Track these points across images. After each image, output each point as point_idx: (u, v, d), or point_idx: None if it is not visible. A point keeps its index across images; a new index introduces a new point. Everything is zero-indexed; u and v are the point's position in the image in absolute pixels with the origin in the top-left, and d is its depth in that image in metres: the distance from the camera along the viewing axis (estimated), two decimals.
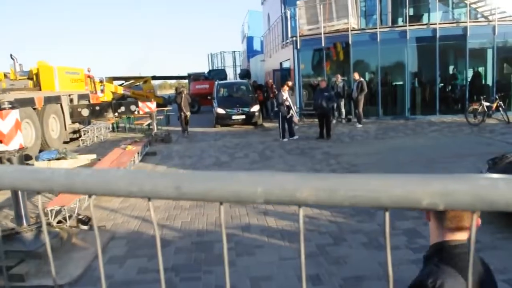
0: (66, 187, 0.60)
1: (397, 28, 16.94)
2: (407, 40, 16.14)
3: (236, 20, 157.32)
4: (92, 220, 5.67)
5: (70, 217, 5.97)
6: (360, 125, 14.91)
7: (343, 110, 16.11)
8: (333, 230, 5.49)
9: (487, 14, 17.34)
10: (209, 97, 21.27)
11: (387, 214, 0.48)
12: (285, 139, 12.94)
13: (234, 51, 42.89)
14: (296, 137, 13.11)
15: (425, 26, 16.69)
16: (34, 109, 12.43)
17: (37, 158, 9.69)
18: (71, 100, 15.32)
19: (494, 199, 0.42)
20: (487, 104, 14.21)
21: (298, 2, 17.61)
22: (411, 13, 18.66)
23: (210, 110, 19.67)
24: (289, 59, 18.56)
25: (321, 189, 0.47)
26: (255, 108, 16.75)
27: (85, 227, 6.02)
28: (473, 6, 17.50)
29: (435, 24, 16.25)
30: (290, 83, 14.97)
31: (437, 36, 15.92)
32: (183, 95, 15.74)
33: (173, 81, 64.32)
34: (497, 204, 0.42)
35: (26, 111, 11.78)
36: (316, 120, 13.65)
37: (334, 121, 15.26)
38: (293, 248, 5.01)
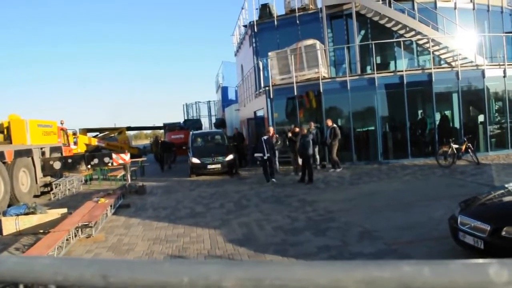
0: None
1: (366, 76, 17.54)
2: (376, 87, 16.68)
3: (211, 71, 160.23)
4: None
5: None
6: (339, 169, 15.10)
7: (317, 157, 16.26)
8: None
9: (450, 60, 18.20)
10: (184, 147, 21.25)
11: None
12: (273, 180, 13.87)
13: (209, 101, 43.37)
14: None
15: (392, 73, 17.35)
16: (4, 162, 12.13)
17: (4, 214, 9.39)
18: (43, 153, 15.03)
19: (419, 286, 0.41)
20: (456, 146, 14.60)
21: (269, 53, 18.12)
22: (379, 61, 19.43)
23: (185, 159, 19.60)
24: (262, 108, 18.84)
25: (247, 279, 0.45)
26: (230, 157, 16.77)
27: (53, 287, 5.73)
28: (436, 53, 18.39)
29: (402, 71, 16.91)
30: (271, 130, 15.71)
31: (404, 82, 16.53)
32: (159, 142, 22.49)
33: (149, 131, 64.26)
34: None
35: None
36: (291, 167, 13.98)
37: None
38: None
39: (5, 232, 8.81)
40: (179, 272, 0.47)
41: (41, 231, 8.61)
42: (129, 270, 0.49)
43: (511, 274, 0.42)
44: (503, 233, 5.00)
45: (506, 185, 6.63)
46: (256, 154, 14.78)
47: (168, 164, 21.71)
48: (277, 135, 15.78)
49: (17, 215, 9.00)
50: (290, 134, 15.63)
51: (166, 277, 0.47)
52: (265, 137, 14.46)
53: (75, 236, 7.80)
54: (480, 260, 0.46)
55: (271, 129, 15.59)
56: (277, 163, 16.28)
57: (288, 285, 0.43)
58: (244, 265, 0.47)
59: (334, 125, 15.54)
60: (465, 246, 5.50)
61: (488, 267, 0.43)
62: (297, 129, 15.53)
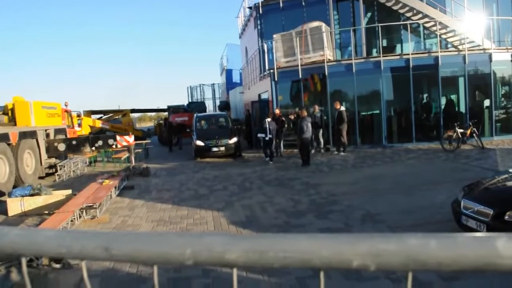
0: None
1: (371, 59, 17.36)
2: (382, 70, 16.54)
3: (215, 54, 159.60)
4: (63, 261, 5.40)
5: None
6: (343, 153, 15.13)
7: (321, 140, 16.23)
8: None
9: (457, 44, 17.98)
10: (188, 130, 21.29)
11: (321, 274, 0.46)
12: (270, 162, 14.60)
13: (213, 84, 43.22)
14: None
15: (398, 57, 17.18)
16: (9, 144, 12.18)
17: (10, 195, 9.46)
18: (48, 135, 15.08)
19: (426, 259, 0.40)
20: (461, 130, 14.53)
21: (274, 36, 17.95)
22: (385, 44, 19.21)
23: (189, 142, 19.67)
24: (267, 90, 18.75)
25: (251, 251, 0.45)
26: (234, 139, 16.77)
27: (58, 266, 5.79)
28: (444, 36, 18.16)
29: (408, 54, 16.74)
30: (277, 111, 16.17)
31: (410, 65, 16.36)
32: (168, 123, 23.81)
33: (153, 114, 64.24)
34: (429, 264, 0.40)
35: None
36: (295, 150, 14.26)
37: (312, 151, 15.44)
38: (273, 282, 4.92)
39: (10, 213, 8.90)
40: (182, 244, 0.46)
41: (46, 212, 8.69)
42: (131, 242, 0.49)
43: None
44: (506, 217, 5.01)
45: (510, 170, 6.61)
46: (259, 134, 15.48)
47: (179, 145, 22.69)
48: (283, 118, 15.91)
49: (22, 196, 9.08)
50: (292, 117, 15.65)
51: (168, 249, 0.47)
52: (268, 119, 14.90)
53: (80, 217, 7.87)
54: (488, 234, 0.45)
55: (278, 111, 15.87)
56: (281, 146, 16.36)
57: (292, 256, 0.43)
58: (248, 238, 0.47)
59: (342, 109, 15.46)
60: (468, 230, 5.51)
61: (496, 240, 0.43)
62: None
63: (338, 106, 15.43)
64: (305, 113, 14.04)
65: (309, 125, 13.70)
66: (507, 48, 17.05)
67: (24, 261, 0.58)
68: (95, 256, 0.50)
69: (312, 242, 0.43)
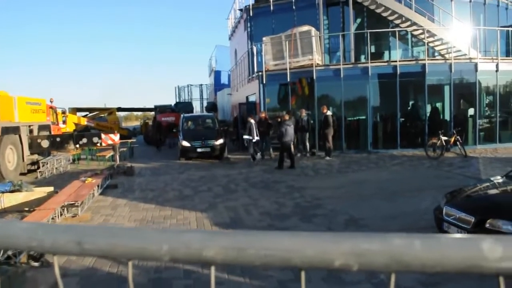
0: None
1: (359, 65, 17.47)
2: (369, 76, 16.65)
3: (204, 54, 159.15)
4: (43, 257, 5.31)
5: (20, 252, 5.62)
6: (328, 158, 15.13)
7: (307, 144, 16.26)
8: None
9: (444, 52, 18.22)
10: (174, 130, 21.19)
11: (302, 274, 0.45)
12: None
13: (201, 84, 43.12)
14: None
15: (386, 63, 17.33)
16: None
17: None
18: (31, 131, 14.85)
19: (409, 260, 0.39)
20: (445, 138, 14.71)
21: (264, 38, 17.96)
22: (373, 50, 19.36)
23: (175, 142, 19.59)
24: (255, 93, 18.75)
25: (230, 248, 0.43)
26: (220, 141, 16.73)
27: (36, 264, 5.68)
28: (431, 45, 18.39)
29: (396, 61, 16.91)
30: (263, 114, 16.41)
31: (398, 72, 16.51)
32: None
33: (139, 113, 63.80)
34: (412, 265, 0.39)
35: None
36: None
37: (298, 155, 15.50)
38: (254, 284, 4.90)
39: None
40: (159, 240, 0.44)
41: (27, 209, 8.53)
42: (105, 236, 0.47)
43: (505, 250, 0.40)
44: (487, 225, 5.05)
45: (492, 178, 6.70)
46: (245, 136, 15.87)
47: (170, 144, 22.67)
48: (269, 121, 15.97)
49: (3, 192, 8.89)
50: (279, 119, 15.71)
51: (144, 244, 0.45)
52: (252, 121, 15.53)
53: (61, 215, 7.75)
54: (474, 235, 0.44)
55: (263, 114, 15.99)
56: (271, 149, 16.39)
57: (274, 254, 0.42)
58: (227, 234, 0.45)
59: (329, 113, 15.50)
60: None
61: (481, 242, 0.42)
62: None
63: (325, 110, 15.49)
64: (286, 117, 14.05)
65: (289, 128, 13.71)
66: (492, 58, 17.30)
67: None
68: (67, 251, 0.48)
69: (294, 240, 0.41)
